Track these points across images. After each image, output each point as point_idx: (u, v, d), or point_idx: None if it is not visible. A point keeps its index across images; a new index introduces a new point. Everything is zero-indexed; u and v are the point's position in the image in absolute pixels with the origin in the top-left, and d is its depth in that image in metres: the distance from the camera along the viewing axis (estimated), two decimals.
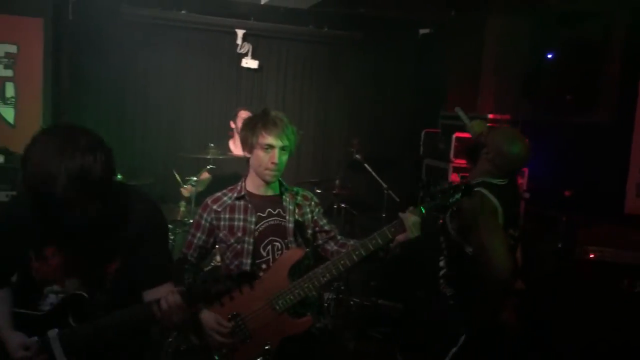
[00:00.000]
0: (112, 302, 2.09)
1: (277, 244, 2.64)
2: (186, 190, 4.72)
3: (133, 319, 2.06)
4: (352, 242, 2.70)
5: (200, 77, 5.76)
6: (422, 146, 5.13)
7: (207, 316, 2.51)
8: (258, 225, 2.63)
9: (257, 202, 2.67)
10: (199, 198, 4.68)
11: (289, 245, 2.63)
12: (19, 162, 1.91)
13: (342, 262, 2.50)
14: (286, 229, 2.65)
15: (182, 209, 4.75)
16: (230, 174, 5.09)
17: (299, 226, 2.69)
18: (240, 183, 2.72)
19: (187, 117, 5.72)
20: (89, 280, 2.11)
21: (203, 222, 2.67)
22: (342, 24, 5.95)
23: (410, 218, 2.48)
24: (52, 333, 2.05)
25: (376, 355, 4.32)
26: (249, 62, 5.75)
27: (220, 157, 4.69)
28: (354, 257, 2.48)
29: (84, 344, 2.05)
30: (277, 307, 2.51)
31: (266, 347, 2.48)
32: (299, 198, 2.76)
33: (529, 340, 3.96)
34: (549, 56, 5.26)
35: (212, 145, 4.86)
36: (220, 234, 2.65)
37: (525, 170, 4.52)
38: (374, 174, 4.88)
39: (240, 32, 5.67)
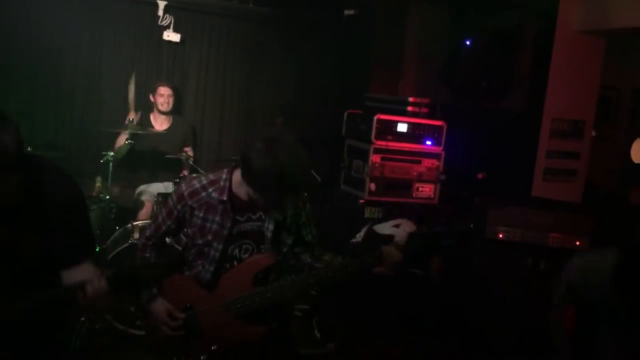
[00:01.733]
0: (26, 280, 2.00)
1: (247, 246, 2.47)
2: (121, 141, 4.58)
3: (53, 302, 1.98)
4: (326, 257, 2.57)
5: (119, 50, 5.55)
6: (345, 127, 5.19)
7: (160, 306, 2.42)
8: (232, 230, 2.43)
9: (238, 206, 2.43)
10: (117, 172, 4.55)
11: (262, 250, 2.47)
12: None
13: (311, 280, 2.41)
14: (263, 234, 2.46)
15: (98, 184, 4.59)
16: (149, 149, 4.98)
17: (281, 230, 2.49)
18: (225, 179, 2.44)
19: (105, 90, 5.50)
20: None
21: (176, 212, 2.47)
22: (268, 1, 5.89)
23: (394, 256, 2.40)
24: None
25: None
26: (171, 35, 5.58)
27: (140, 132, 4.56)
28: (325, 280, 2.40)
29: None
30: (233, 311, 2.39)
31: (212, 348, 2.37)
32: (289, 204, 2.53)
33: (444, 316, 4.15)
34: (467, 43, 5.44)
35: (131, 119, 4.73)
36: (189, 230, 2.48)
37: (442, 153, 4.67)
38: (294, 152, 4.90)
39: (161, 4, 5.49)
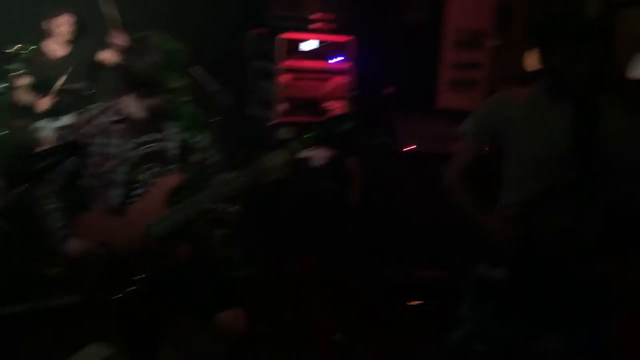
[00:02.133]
0: None
1: (155, 170, 2.43)
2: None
3: None
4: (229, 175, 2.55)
5: None
6: (248, 48, 5.05)
7: (74, 245, 2.34)
8: (135, 152, 2.40)
9: (137, 126, 2.41)
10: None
11: (169, 171, 2.44)
12: None
13: (226, 188, 2.39)
14: (169, 154, 2.44)
15: None
16: (46, 78, 4.62)
17: (185, 149, 2.48)
18: (117, 102, 2.42)
19: None
20: None
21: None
22: None
23: (279, 159, 2.41)
24: None
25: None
26: None
27: (35, 60, 4.24)
28: (234, 189, 2.38)
29: None
30: (153, 235, 2.36)
31: (138, 277, 2.34)
32: (186, 119, 2.53)
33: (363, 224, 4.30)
34: None
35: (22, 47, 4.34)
36: (92, 160, 2.37)
37: (352, 69, 4.67)
38: (200, 77, 4.73)
39: None
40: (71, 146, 2.28)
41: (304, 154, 2.66)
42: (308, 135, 2.51)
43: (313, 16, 4.68)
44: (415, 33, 5.37)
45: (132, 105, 2.41)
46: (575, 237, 2.09)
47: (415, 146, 4.37)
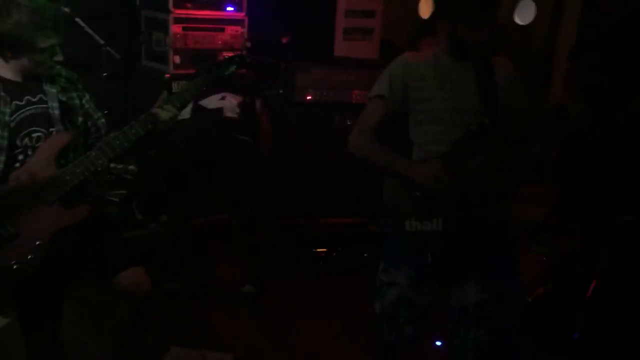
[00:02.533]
0: None
1: (38, 134, 2.34)
2: None
3: None
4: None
5: None
6: None
7: None
8: (14, 117, 2.29)
9: (12, 90, 2.30)
10: None
11: (54, 134, 2.35)
12: None
13: (118, 141, 2.33)
14: (50, 116, 2.35)
15: None
16: None
17: (67, 111, 2.41)
18: None
19: None
20: None
21: None
22: None
23: (163, 114, 2.39)
24: None
25: None
26: None
27: None
28: (124, 143, 2.34)
29: None
30: (46, 198, 2.28)
31: (37, 243, 2.26)
32: (62, 80, 2.43)
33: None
34: None
35: None
36: None
37: (245, 19, 4.57)
38: (88, 30, 4.46)
39: None
40: None
41: (216, 104, 2.64)
42: (196, 80, 2.50)
43: None
44: None
45: (6, 68, 2.29)
46: (488, 181, 2.30)
47: (311, 96, 4.40)
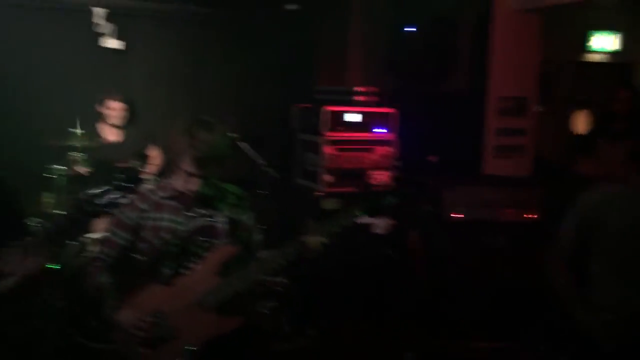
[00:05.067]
0: None
1: (205, 242, 2.51)
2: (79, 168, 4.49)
3: None
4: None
5: (56, 60, 5.38)
6: (294, 121, 5.19)
7: (126, 315, 2.38)
8: (186, 226, 2.50)
9: (186, 202, 2.52)
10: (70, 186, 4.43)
11: (220, 245, 2.52)
12: None
13: (273, 261, 2.48)
14: (217, 229, 2.54)
15: (48, 200, 4.46)
16: (103, 161, 4.83)
17: (233, 225, 2.57)
18: (167, 181, 2.56)
19: (44, 103, 5.31)
20: None
21: (126, 220, 2.50)
22: (207, 2, 5.81)
23: (313, 243, 2.50)
24: None
25: None
26: (110, 42, 5.44)
27: (92, 145, 4.46)
28: (280, 261, 2.48)
29: None
30: (205, 306, 2.41)
31: (189, 348, 2.36)
32: (232, 197, 2.63)
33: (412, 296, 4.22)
34: (410, 30, 5.52)
35: (81, 130, 4.54)
36: (143, 234, 2.49)
37: (395, 140, 4.72)
38: (250, 151, 4.86)
39: (98, 11, 5.36)
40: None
41: (366, 220, 2.71)
42: (354, 209, 2.56)
43: (356, 89, 4.79)
44: (458, 101, 5.42)
45: (185, 183, 2.51)
46: None
47: (462, 215, 4.32)
